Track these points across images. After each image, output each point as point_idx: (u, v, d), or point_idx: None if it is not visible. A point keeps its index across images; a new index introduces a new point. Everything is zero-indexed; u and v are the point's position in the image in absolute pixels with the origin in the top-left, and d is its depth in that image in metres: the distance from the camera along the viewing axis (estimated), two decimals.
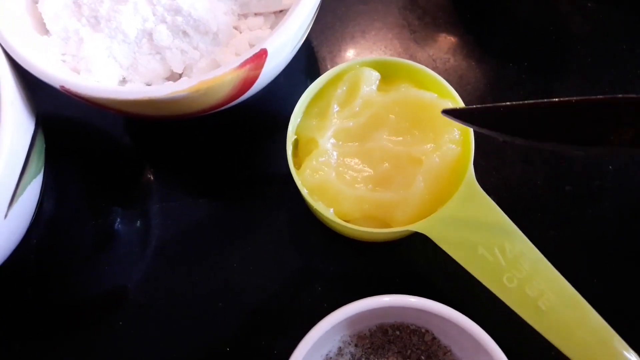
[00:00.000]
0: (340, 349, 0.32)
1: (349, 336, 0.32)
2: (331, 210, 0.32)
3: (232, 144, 0.38)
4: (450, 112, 0.27)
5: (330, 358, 0.32)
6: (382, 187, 0.32)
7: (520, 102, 0.25)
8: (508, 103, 0.26)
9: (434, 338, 0.32)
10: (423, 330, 0.32)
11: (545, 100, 0.25)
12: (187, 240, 0.37)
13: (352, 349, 0.32)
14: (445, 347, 0.32)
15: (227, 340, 0.34)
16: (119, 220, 0.37)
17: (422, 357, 0.32)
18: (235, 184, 0.37)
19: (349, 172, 0.33)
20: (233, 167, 0.38)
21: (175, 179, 0.38)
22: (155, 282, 0.35)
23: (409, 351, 0.32)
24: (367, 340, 0.32)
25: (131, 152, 0.39)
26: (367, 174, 0.33)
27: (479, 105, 0.27)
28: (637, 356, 0.28)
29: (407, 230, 0.31)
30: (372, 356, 0.32)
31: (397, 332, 0.32)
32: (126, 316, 0.35)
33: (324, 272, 0.35)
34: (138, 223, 0.37)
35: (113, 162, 0.39)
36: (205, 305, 0.35)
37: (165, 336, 0.34)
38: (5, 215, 0.27)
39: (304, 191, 0.31)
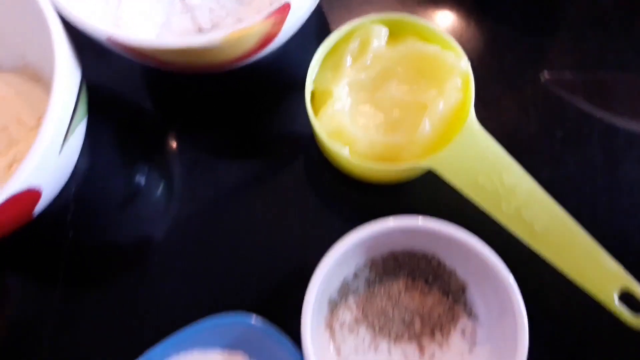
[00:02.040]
0: (355, 274, 0.36)
1: (363, 263, 0.36)
2: (346, 150, 0.35)
3: (252, 100, 0.42)
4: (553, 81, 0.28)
5: (348, 282, 0.36)
6: (392, 131, 0.36)
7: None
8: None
9: (440, 263, 0.36)
10: (430, 256, 0.36)
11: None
12: (212, 189, 0.40)
13: (367, 274, 0.36)
14: (450, 270, 0.35)
15: (253, 275, 0.37)
16: (147, 172, 0.41)
17: (430, 279, 0.35)
18: (256, 137, 0.41)
19: (362, 118, 0.36)
20: (254, 121, 0.41)
21: (200, 134, 0.42)
22: (184, 228, 0.39)
23: (417, 274, 0.35)
24: (380, 266, 0.36)
25: (158, 110, 0.43)
26: (379, 120, 0.36)
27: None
28: (622, 267, 0.32)
29: (416, 168, 0.34)
30: (384, 279, 0.36)
31: (407, 258, 0.36)
32: (156, 261, 0.38)
33: (339, 212, 0.38)
34: (165, 175, 0.41)
35: (142, 118, 0.42)
36: (231, 247, 0.38)
37: (195, 278, 0.38)
38: (60, 151, 0.31)
39: (323, 135, 0.35)
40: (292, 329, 0.33)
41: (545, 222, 0.32)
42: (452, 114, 0.35)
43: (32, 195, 0.30)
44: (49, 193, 0.32)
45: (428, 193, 0.38)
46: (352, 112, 0.36)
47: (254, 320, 0.33)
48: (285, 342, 0.33)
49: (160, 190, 0.41)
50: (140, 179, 0.41)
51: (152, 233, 0.39)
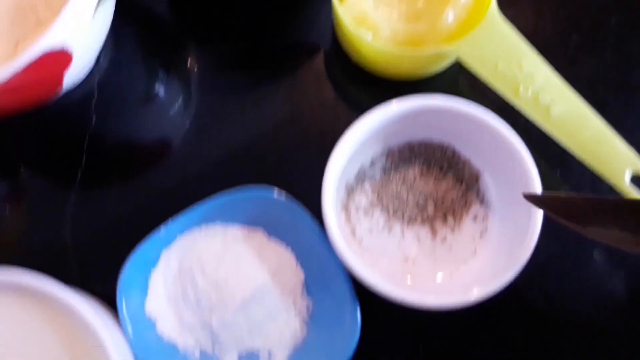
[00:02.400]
0: (372, 161, 0.37)
1: (380, 151, 0.37)
2: (370, 35, 0.36)
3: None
4: (529, 198, 0.30)
5: (365, 168, 0.37)
6: (415, 21, 0.37)
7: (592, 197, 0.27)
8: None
9: (455, 152, 0.37)
10: (445, 146, 0.37)
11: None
12: (232, 83, 0.41)
13: (383, 162, 0.37)
14: (464, 159, 0.37)
15: (273, 159, 0.38)
16: (168, 71, 0.41)
17: (444, 167, 0.37)
18: (276, 37, 0.41)
19: (385, 7, 0.37)
20: (274, 20, 0.41)
21: (221, 34, 0.42)
22: (205, 120, 0.40)
23: (432, 162, 0.37)
24: (396, 155, 0.37)
25: (181, 16, 0.43)
26: (402, 9, 0.37)
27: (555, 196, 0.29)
28: (636, 152, 0.33)
29: (438, 53, 0.35)
30: (400, 166, 0.37)
31: (422, 148, 0.37)
32: (177, 150, 0.39)
33: (357, 107, 0.39)
34: (185, 74, 0.41)
35: (165, 23, 0.42)
36: (252, 134, 0.39)
37: (216, 163, 0.39)
38: (93, 16, 0.31)
39: (346, 19, 0.35)
40: (311, 208, 0.34)
41: (561, 107, 0.33)
42: (474, 4, 0.36)
43: (63, 56, 0.31)
44: (79, 58, 0.32)
45: (447, 91, 0.39)
46: (375, 1, 0.37)
47: (276, 193, 0.34)
48: (305, 215, 0.34)
49: (179, 90, 0.41)
50: (162, 77, 0.41)
51: (172, 126, 0.40)
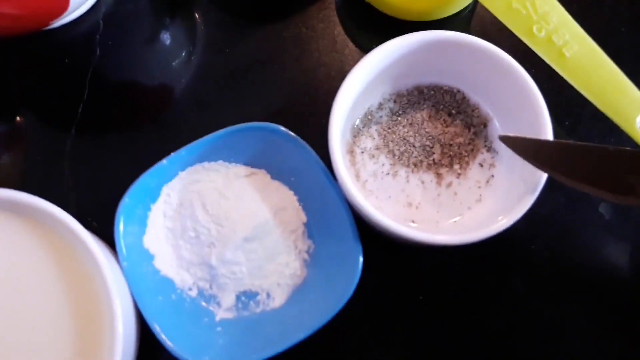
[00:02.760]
0: (380, 104, 0.36)
1: (389, 93, 0.36)
2: None
3: None
4: (505, 139, 0.30)
5: (372, 111, 0.36)
6: None
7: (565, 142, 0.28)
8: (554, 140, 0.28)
9: (464, 97, 0.36)
10: (455, 90, 0.36)
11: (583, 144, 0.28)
12: (239, 21, 0.40)
13: (391, 105, 0.36)
14: (474, 104, 0.36)
15: (280, 100, 0.38)
16: (174, 16, 0.40)
17: (453, 111, 0.36)
18: None
19: None
20: None
21: None
22: (211, 60, 0.39)
23: (441, 106, 0.36)
24: (405, 98, 0.36)
25: None
26: None
27: (527, 138, 0.29)
28: None
29: None
30: (408, 109, 0.36)
31: (432, 92, 0.36)
32: (181, 90, 0.38)
33: (368, 47, 0.38)
34: (191, 16, 0.41)
35: None
36: (259, 75, 0.38)
37: (223, 106, 0.38)
38: None
39: None
40: (317, 151, 0.33)
41: (575, 49, 0.33)
42: None
43: None
44: None
45: None
46: None
47: (282, 129, 0.34)
48: (311, 153, 0.33)
49: (184, 35, 0.40)
50: (168, 21, 0.40)
51: (177, 64, 0.39)
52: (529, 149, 0.29)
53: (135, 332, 0.31)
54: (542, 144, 0.29)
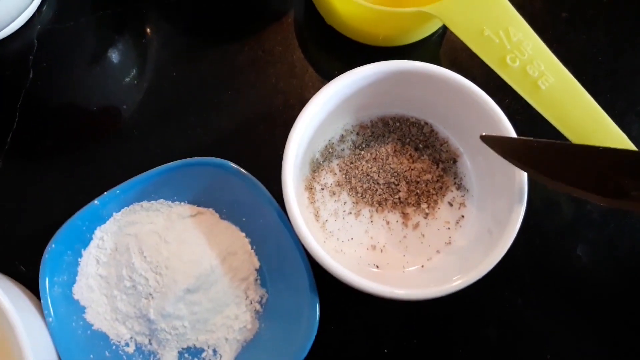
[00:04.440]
0: (342, 136, 0.33)
1: (352, 125, 0.33)
2: None
3: None
4: (486, 139, 0.28)
5: (333, 144, 0.33)
6: None
7: (549, 141, 0.26)
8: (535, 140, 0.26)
9: (433, 130, 0.33)
10: (422, 123, 0.33)
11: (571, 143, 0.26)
12: (191, 46, 0.36)
13: (354, 137, 0.33)
14: (443, 138, 0.33)
15: (232, 129, 0.34)
16: (123, 34, 0.37)
17: (420, 146, 0.33)
18: None
19: None
20: None
21: None
22: (158, 85, 0.35)
23: (407, 139, 0.33)
24: (368, 130, 0.33)
25: None
26: None
27: (515, 137, 0.27)
28: (626, 137, 0.30)
29: (418, 13, 0.31)
30: (372, 142, 0.33)
31: (397, 124, 0.33)
32: (121, 128, 0.35)
33: (329, 72, 0.35)
34: (140, 36, 0.37)
35: None
36: (210, 101, 0.35)
37: (169, 134, 0.35)
38: None
39: None
40: (272, 188, 0.30)
41: (550, 81, 0.30)
42: None
43: None
44: None
45: (429, 56, 0.35)
46: None
47: (231, 166, 0.30)
48: (264, 193, 0.30)
49: (132, 50, 0.37)
50: (113, 38, 0.37)
51: (120, 92, 0.36)
52: (510, 148, 0.27)
53: None
54: (524, 142, 0.27)
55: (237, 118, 0.35)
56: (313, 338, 0.29)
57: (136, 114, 0.35)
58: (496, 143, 0.28)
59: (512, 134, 0.28)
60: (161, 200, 0.31)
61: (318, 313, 0.29)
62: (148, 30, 0.37)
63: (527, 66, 0.30)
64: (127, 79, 0.36)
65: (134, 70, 0.36)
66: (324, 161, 0.33)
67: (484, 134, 0.28)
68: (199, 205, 0.32)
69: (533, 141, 0.27)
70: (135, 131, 0.35)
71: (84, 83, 0.36)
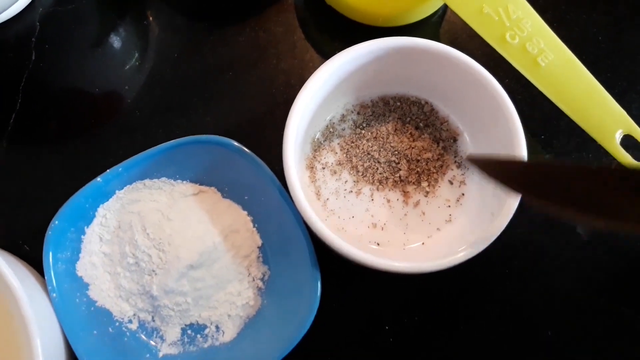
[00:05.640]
0: (343, 115, 0.33)
1: (352, 104, 0.33)
2: None
3: None
4: (473, 159, 0.27)
5: (334, 123, 0.33)
6: None
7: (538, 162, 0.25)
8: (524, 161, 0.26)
9: (433, 109, 0.33)
10: (423, 102, 0.33)
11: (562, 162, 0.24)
12: (192, 26, 0.36)
13: (355, 116, 0.33)
14: (443, 117, 0.33)
15: (233, 110, 0.35)
16: (125, 15, 0.37)
17: (420, 125, 0.33)
18: None
19: None
20: None
21: None
22: (159, 69, 0.35)
23: (408, 119, 0.33)
24: (369, 109, 0.33)
25: None
26: None
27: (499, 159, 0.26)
28: (626, 114, 0.30)
29: None
30: (373, 122, 0.33)
31: (398, 103, 0.33)
32: (123, 109, 0.35)
33: (329, 54, 0.35)
34: (142, 18, 0.37)
35: None
36: (213, 82, 0.35)
37: (171, 116, 0.35)
38: None
39: None
40: (273, 168, 0.30)
41: (550, 58, 0.30)
42: None
43: None
44: None
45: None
46: None
47: (234, 144, 0.30)
48: (265, 171, 0.30)
49: (134, 31, 0.37)
50: (115, 21, 0.37)
51: (122, 74, 0.36)
52: (499, 170, 0.25)
53: None
54: (514, 164, 0.26)
55: (238, 98, 0.35)
56: (314, 313, 0.29)
57: (138, 96, 0.35)
58: (482, 164, 0.26)
59: (512, 110, 0.29)
60: (164, 179, 0.31)
61: (319, 289, 0.29)
62: (149, 12, 0.37)
63: (526, 43, 0.30)
64: (129, 61, 0.36)
65: (136, 52, 0.36)
66: (324, 140, 0.33)
67: (469, 154, 0.27)
68: (201, 184, 0.32)
69: (522, 162, 0.26)
70: (137, 112, 0.35)
71: (86, 65, 0.36)
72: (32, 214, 0.33)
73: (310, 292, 0.29)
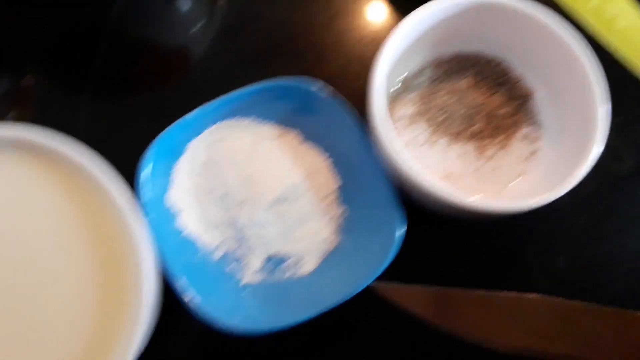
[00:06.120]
0: (419, 70, 0.34)
1: (428, 61, 0.35)
2: None
3: None
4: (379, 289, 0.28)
5: (410, 77, 0.34)
6: None
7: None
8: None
9: (508, 68, 0.34)
10: (498, 61, 0.34)
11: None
12: None
13: (430, 72, 0.34)
14: (518, 76, 0.34)
15: (314, 58, 0.36)
16: None
17: (496, 82, 0.34)
18: None
19: None
20: None
21: None
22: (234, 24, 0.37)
23: (482, 76, 0.34)
24: (445, 65, 0.35)
25: None
26: None
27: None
28: None
29: None
30: (448, 77, 0.34)
31: (473, 61, 0.35)
32: (203, 58, 0.37)
33: (405, 9, 0.36)
34: None
35: None
36: (292, 27, 0.37)
37: (246, 66, 0.36)
38: None
39: None
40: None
41: (626, 22, 0.31)
42: None
43: None
44: None
45: None
46: None
47: (318, 86, 0.32)
48: (347, 113, 0.31)
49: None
50: None
51: (200, 26, 0.37)
52: (407, 298, 0.27)
53: (158, 292, 0.28)
54: (422, 292, 0.28)
55: (316, 48, 0.36)
56: (393, 252, 0.30)
57: (216, 44, 0.37)
58: (389, 294, 0.28)
59: (590, 73, 0.29)
60: (250, 119, 0.32)
61: (398, 227, 0.30)
62: None
63: (603, 5, 0.31)
64: (206, 15, 0.37)
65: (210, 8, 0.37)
66: (402, 92, 0.34)
67: (373, 284, 0.28)
68: (285, 125, 0.33)
69: (430, 289, 0.28)
70: (215, 59, 0.36)
71: (167, 15, 0.37)
72: (116, 157, 0.34)
73: (389, 231, 0.30)
